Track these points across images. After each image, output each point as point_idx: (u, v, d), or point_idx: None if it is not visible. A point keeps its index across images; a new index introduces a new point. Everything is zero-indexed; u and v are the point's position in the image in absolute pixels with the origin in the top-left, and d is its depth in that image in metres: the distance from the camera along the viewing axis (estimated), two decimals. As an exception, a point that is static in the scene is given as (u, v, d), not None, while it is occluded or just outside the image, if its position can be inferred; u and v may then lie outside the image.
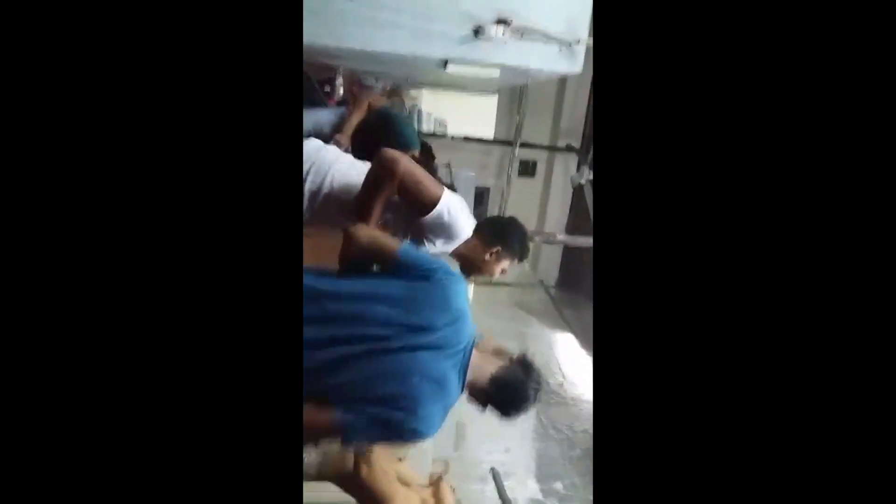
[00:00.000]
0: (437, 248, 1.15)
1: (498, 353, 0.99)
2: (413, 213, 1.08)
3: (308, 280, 0.95)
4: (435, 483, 1.61)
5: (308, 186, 1.15)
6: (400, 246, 0.98)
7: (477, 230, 1.23)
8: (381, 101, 1.57)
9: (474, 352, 0.96)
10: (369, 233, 1.02)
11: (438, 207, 1.06)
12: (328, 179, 1.15)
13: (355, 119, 1.63)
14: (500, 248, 1.23)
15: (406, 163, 1.04)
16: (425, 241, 1.13)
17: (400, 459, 1.55)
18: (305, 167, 1.16)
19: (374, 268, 1.02)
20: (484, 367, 0.96)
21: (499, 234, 1.24)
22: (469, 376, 0.94)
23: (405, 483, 1.53)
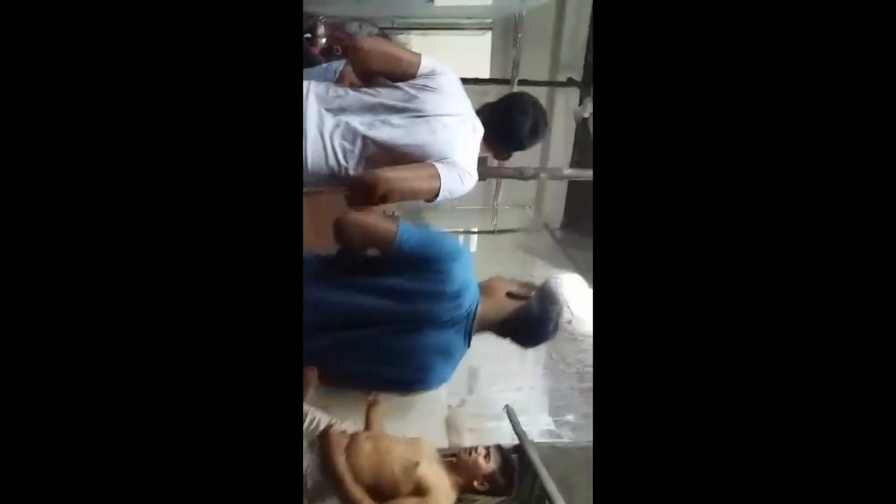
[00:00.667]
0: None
1: (512, 295, 0.97)
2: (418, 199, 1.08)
3: (305, 264, 0.94)
4: (461, 457, 1.53)
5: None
6: (397, 233, 0.90)
7: (486, 136, 1.18)
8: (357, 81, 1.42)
9: (482, 299, 0.95)
10: (362, 221, 0.94)
11: (440, 195, 1.04)
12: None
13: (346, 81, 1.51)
14: (510, 152, 1.26)
15: (394, 181, 0.98)
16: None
17: (417, 463, 1.45)
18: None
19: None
20: (495, 313, 0.95)
21: (507, 143, 1.22)
22: (479, 324, 0.94)
23: (425, 490, 1.42)
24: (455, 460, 1.55)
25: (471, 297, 0.93)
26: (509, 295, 0.96)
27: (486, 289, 0.97)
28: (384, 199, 0.99)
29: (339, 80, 1.30)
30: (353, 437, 1.53)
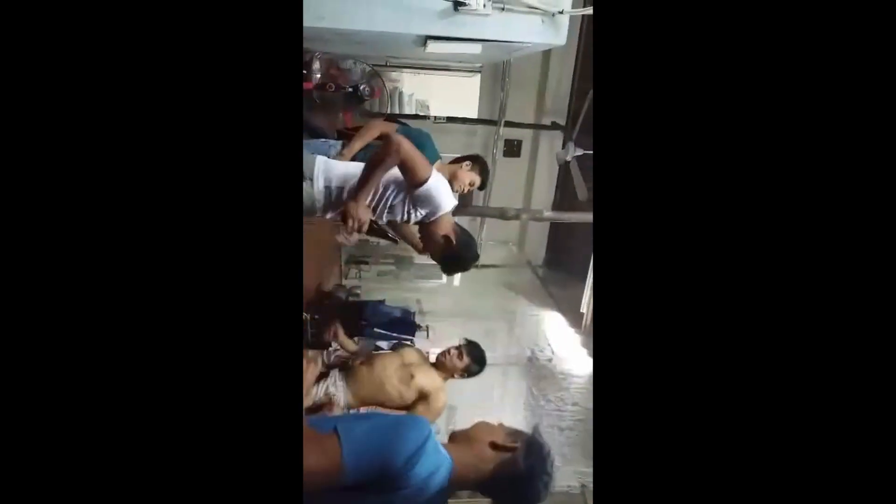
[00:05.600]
0: (421, 218, 1.36)
1: (496, 447, 0.82)
2: (409, 185, 1.31)
3: None
4: (440, 361, 1.82)
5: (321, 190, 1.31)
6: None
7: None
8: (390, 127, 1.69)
9: (462, 451, 0.82)
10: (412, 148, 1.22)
11: (428, 184, 1.28)
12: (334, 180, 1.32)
13: (358, 145, 1.68)
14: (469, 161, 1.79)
15: (408, 146, 1.25)
16: (412, 211, 1.35)
17: (412, 375, 1.72)
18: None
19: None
20: (475, 471, 0.82)
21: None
22: (457, 485, 0.82)
23: (426, 394, 1.71)
24: (436, 362, 1.83)
25: (440, 478, 0.78)
26: (493, 446, 0.82)
27: (466, 438, 0.85)
28: (401, 159, 1.24)
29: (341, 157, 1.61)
30: (350, 369, 1.76)
